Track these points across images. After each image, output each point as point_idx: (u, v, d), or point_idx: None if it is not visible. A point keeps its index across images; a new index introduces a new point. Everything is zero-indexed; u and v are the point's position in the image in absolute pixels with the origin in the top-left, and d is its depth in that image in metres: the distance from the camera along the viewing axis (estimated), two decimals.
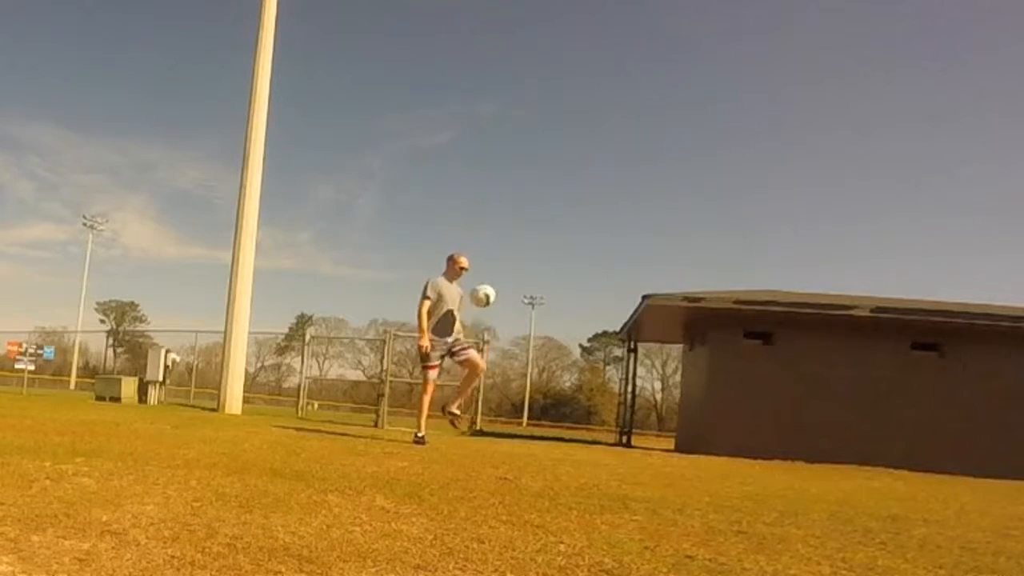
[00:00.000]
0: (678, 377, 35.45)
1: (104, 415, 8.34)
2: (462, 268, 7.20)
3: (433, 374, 7.11)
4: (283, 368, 66.92)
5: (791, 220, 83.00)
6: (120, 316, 73.55)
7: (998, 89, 73.48)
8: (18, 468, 3.15)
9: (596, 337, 67.24)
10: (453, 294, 7.12)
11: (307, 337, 16.19)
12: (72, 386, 38.05)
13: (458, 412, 7.42)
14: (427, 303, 7.01)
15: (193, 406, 15.19)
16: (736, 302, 10.90)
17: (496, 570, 1.91)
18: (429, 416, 7.19)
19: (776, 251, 79.58)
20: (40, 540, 1.89)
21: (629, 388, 15.45)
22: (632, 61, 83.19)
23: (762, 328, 10.96)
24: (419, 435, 6.95)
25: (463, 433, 7.71)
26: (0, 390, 19.45)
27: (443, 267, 7.25)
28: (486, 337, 12.70)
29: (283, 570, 1.76)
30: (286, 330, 60.64)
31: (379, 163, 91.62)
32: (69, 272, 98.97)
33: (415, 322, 7.12)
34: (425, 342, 6.94)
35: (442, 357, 7.11)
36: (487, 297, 7.22)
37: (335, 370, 59.29)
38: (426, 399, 7.11)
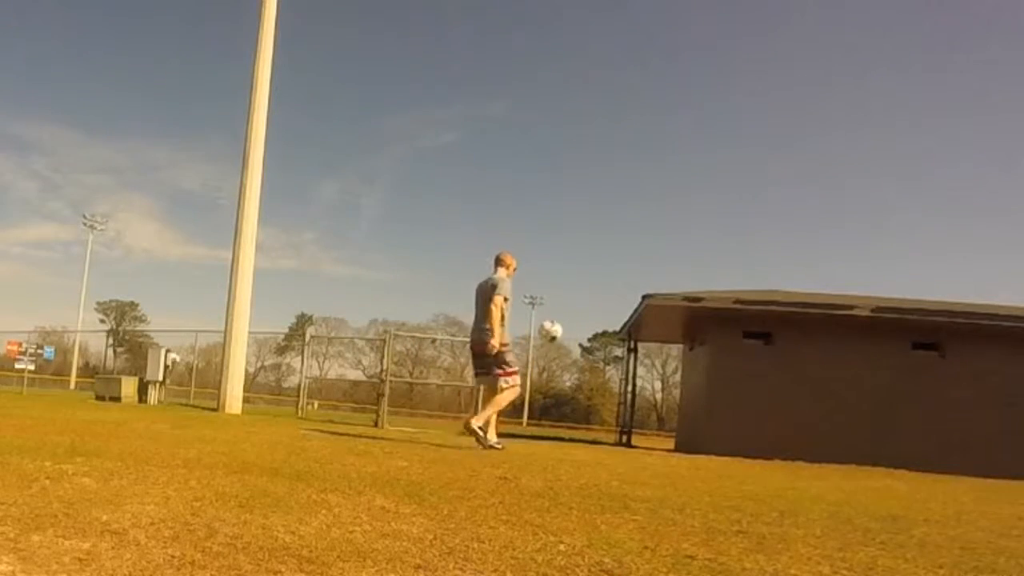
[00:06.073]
0: (678, 377, 35.42)
1: (104, 415, 8.34)
2: (515, 268, 6.79)
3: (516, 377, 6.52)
4: (283, 368, 67.09)
5: (791, 220, 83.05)
6: (120, 316, 73.60)
7: (999, 88, 73.50)
8: (18, 468, 3.14)
9: (596, 337, 67.21)
10: None
11: (307, 337, 16.20)
12: (72, 386, 38.07)
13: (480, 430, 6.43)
14: (508, 304, 6.39)
15: (193, 406, 15.19)
16: (736, 302, 10.90)
17: (496, 570, 1.91)
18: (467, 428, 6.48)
19: (776, 251, 79.64)
20: (40, 540, 1.89)
21: (629, 388, 15.46)
22: (635, 62, 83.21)
23: (762, 328, 10.96)
24: (495, 442, 6.31)
25: (461, 433, 7.67)
26: (0, 390, 19.44)
27: (483, 266, 6.85)
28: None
29: (283, 570, 1.76)
30: (286, 330, 60.72)
31: (383, 163, 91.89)
32: (73, 272, 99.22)
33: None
34: (501, 341, 6.29)
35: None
36: (552, 334, 7.43)
37: (335, 370, 59.38)
38: (510, 398, 6.39)
